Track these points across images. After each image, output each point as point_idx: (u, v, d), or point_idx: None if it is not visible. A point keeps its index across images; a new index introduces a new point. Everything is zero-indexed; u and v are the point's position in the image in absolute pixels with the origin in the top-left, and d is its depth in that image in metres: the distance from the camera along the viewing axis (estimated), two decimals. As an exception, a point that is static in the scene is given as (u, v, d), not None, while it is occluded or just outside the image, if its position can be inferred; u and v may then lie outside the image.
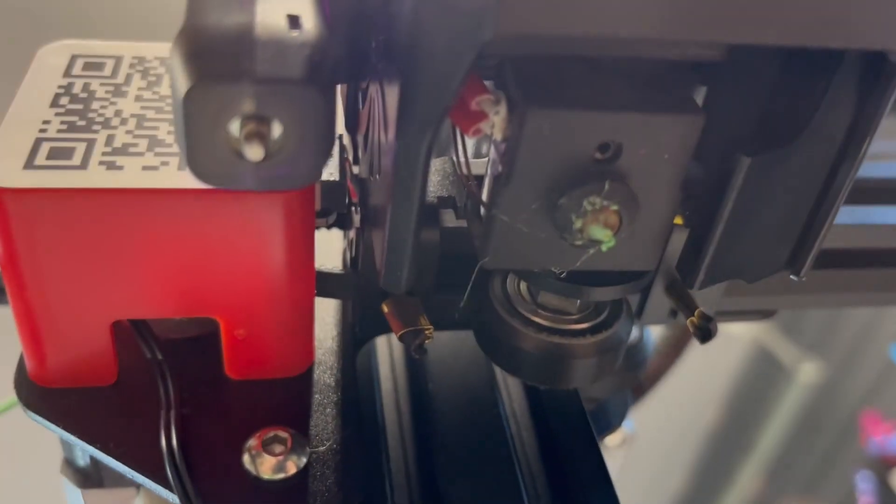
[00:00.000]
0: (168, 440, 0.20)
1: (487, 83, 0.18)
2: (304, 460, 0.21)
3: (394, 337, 0.21)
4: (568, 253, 0.18)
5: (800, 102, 0.17)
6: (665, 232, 0.18)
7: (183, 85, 0.14)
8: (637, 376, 0.29)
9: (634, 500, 1.34)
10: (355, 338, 0.24)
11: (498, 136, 0.17)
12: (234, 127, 0.15)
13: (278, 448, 0.21)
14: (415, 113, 0.15)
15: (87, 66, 0.22)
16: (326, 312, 0.25)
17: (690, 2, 0.14)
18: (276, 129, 0.15)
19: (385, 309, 0.21)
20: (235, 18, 0.15)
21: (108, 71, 0.22)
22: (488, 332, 0.22)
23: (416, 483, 0.23)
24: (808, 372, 1.08)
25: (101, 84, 0.22)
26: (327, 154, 0.16)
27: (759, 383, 1.15)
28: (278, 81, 0.14)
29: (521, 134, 0.16)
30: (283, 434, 0.21)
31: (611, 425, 0.31)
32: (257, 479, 0.20)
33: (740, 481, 1.22)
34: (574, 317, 0.22)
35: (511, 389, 0.25)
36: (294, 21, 0.15)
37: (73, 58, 0.23)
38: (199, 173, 0.15)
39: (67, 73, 0.22)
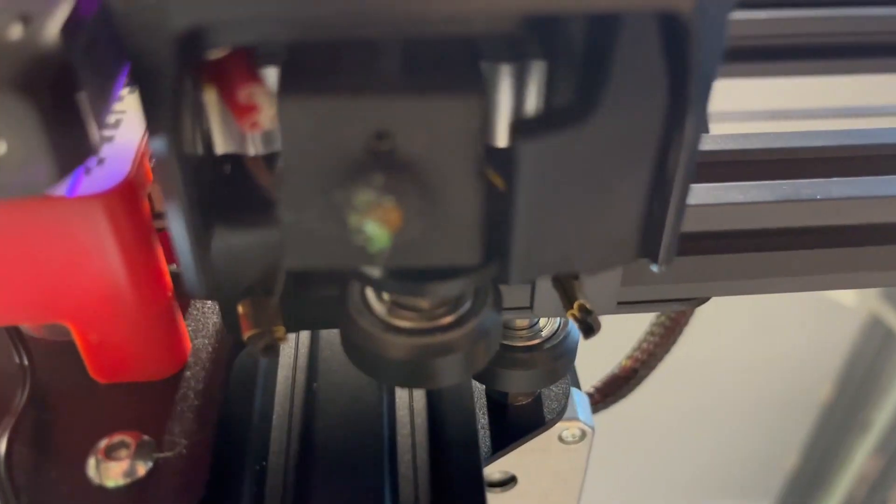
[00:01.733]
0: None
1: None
2: (149, 465, 0.20)
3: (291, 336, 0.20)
4: (362, 251, 0.17)
5: (591, 82, 0.15)
6: (474, 220, 0.17)
7: None
8: (565, 367, 0.27)
9: (749, 478, 1.32)
10: (233, 342, 0.24)
11: (271, 128, 0.16)
12: (-43, 137, 0.14)
13: (123, 453, 0.20)
14: (147, 109, 0.15)
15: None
16: (212, 314, 0.25)
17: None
18: (1, 138, 0.14)
19: (240, 310, 0.20)
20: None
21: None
22: (347, 336, 0.21)
23: (288, 484, 0.22)
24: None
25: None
26: (72, 161, 0.15)
27: (874, 358, 1.11)
28: (-16, 88, 0.14)
29: (281, 125, 0.15)
30: (128, 439, 0.21)
31: (544, 419, 0.29)
32: (98, 486, 0.20)
33: (855, 461, 1.18)
34: (431, 313, 0.21)
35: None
36: (25, 21, 0.15)
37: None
38: (-72, 186, 0.15)
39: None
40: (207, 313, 0.24)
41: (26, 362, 0.22)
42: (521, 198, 0.16)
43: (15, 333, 0.22)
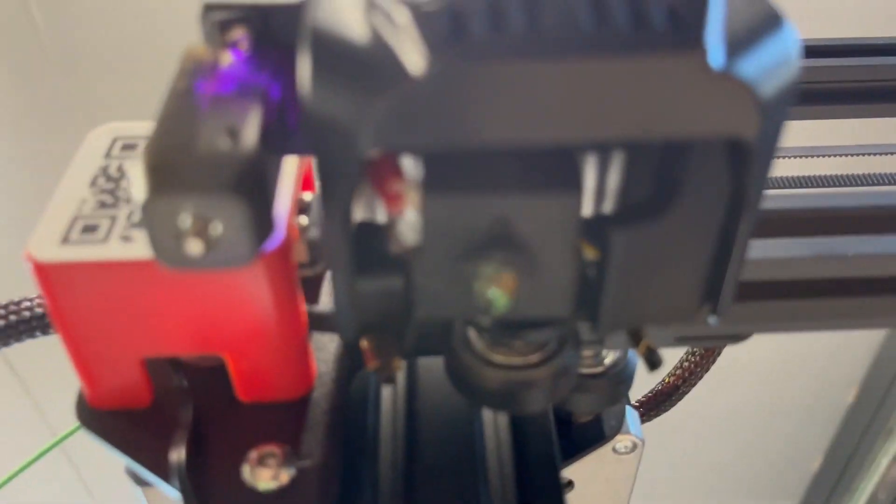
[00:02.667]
0: (178, 454, 0.24)
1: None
2: (292, 472, 0.25)
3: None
4: (483, 307, 0.21)
5: (668, 181, 0.20)
6: (568, 284, 0.21)
7: (141, 196, 0.18)
8: (623, 392, 0.31)
9: (772, 481, 1.33)
10: (352, 366, 0.29)
11: (413, 214, 0.21)
12: (185, 224, 0.19)
13: (271, 461, 0.25)
14: (328, 199, 0.19)
15: (124, 147, 0.27)
16: (332, 344, 0.29)
17: (531, 114, 0.17)
18: (217, 226, 0.19)
19: (363, 345, 0.25)
20: (185, 136, 0.19)
21: (140, 151, 0.27)
22: (453, 367, 0.25)
23: (398, 490, 0.27)
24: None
25: (132, 166, 0.27)
26: (264, 238, 0.20)
27: None
28: (210, 192, 0.18)
29: (424, 213, 0.20)
30: (275, 450, 0.25)
31: (604, 435, 0.33)
32: (251, 489, 0.25)
33: (879, 465, 1.19)
34: (523, 351, 0.25)
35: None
36: (233, 135, 0.19)
37: (115, 139, 0.28)
38: (161, 259, 0.19)
39: (107, 155, 0.27)
40: (328, 343, 0.29)
41: (185, 385, 0.27)
42: (611, 271, 0.20)
43: (174, 361, 0.27)
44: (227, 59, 0.22)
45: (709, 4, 0.17)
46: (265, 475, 0.25)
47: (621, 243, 0.20)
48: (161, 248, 0.19)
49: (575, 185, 0.20)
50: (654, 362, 0.25)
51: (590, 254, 0.22)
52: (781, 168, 0.52)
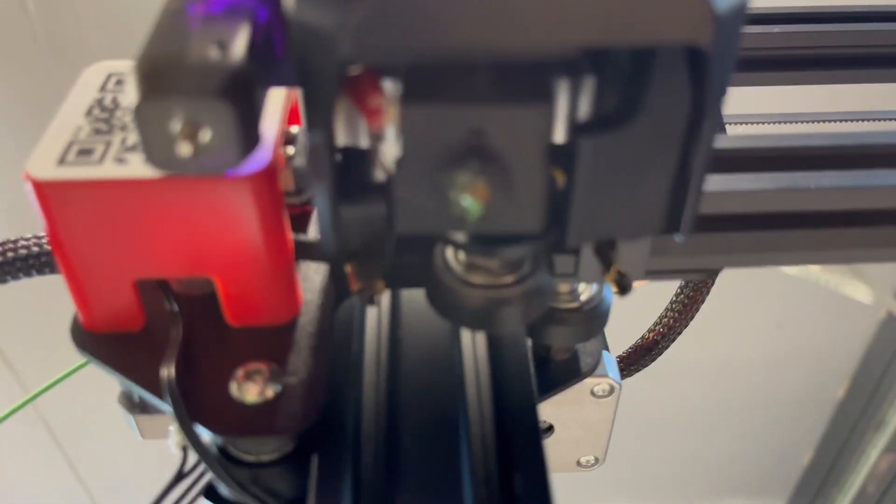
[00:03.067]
0: (168, 370, 0.25)
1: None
2: (278, 388, 0.26)
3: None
4: (457, 218, 0.22)
5: (633, 93, 0.21)
6: (539, 198, 0.22)
7: (133, 100, 0.19)
8: (598, 327, 0.33)
9: (763, 475, 1.34)
10: (338, 293, 0.30)
11: (393, 127, 0.22)
12: (175, 128, 0.20)
13: (258, 378, 0.26)
14: (310, 113, 0.20)
15: (118, 83, 0.28)
16: (318, 273, 0.30)
17: (505, 17, 0.18)
18: (206, 132, 0.20)
19: (347, 269, 0.26)
20: (175, 47, 0.20)
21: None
22: (432, 289, 0.27)
23: (380, 408, 0.28)
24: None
25: (126, 96, 0.28)
26: (250, 148, 0.21)
27: (891, 357, 1.13)
28: (200, 96, 0.19)
29: (403, 123, 0.21)
30: (262, 367, 0.26)
31: (580, 371, 0.34)
32: (240, 402, 0.26)
33: (869, 458, 1.21)
34: (498, 273, 0.26)
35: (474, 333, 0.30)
36: (221, 47, 0.21)
37: (109, 76, 0.29)
38: (151, 163, 0.20)
39: (102, 89, 0.28)
40: (313, 274, 0.30)
41: (176, 308, 0.28)
42: (579, 181, 0.21)
43: (166, 287, 0.28)
44: (217, -15, 0.23)
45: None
46: (252, 390, 0.26)
47: (589, 151, 0.21)
48: (152, 152, 0.20)
49: (546, 98, 0.21)
50: (623, 286, 0.26)
51: (560, 178, 0.23)
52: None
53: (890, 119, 0.46)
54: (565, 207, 0.22)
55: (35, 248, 0.33)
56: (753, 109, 0.47)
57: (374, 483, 0.26)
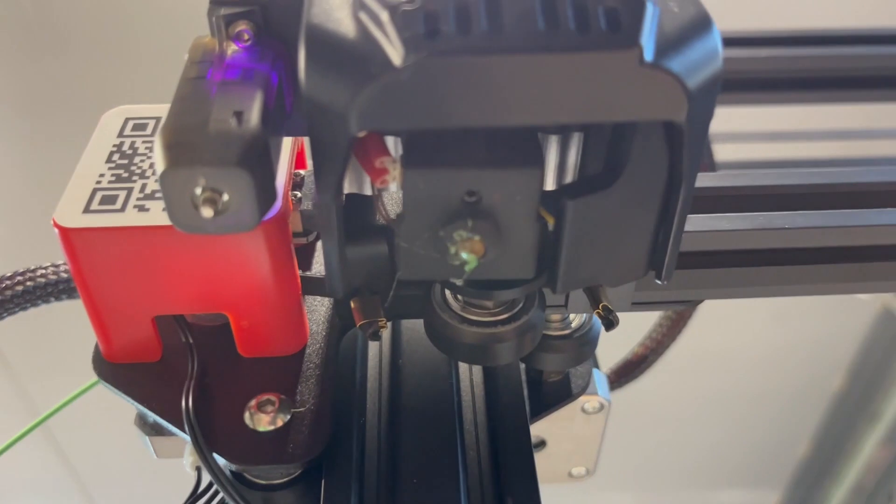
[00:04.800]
0: (186, 401, 0.27)
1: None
2: (288, 417, 0.28)
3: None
4: (455, 268, 0.24)
5: (615, 159, 0.23)
6: (532, 248, 0.24)
7: (158, 169, 0.21)
8: (588, 352, 0.34)
9: (759, 467, 1.35)
10: (342, 325, 0.32)
11: (395, 186, 0.24)
12: (197, 193, 0.22)
13: (269, 408, 0.28)
14: (320, 175, 0.22)
15: (135, 127, 0.30)
16: (322, 306, 0.32)
17: (488, 101, 0.20)
18: (225, 195, 0.22)
19: (352, 305, 0.28)
20: (197, 117, 0.22)
21: (149, 130, 0.30)
22: (430, 324, 0.29)
23: (382, 434, 0.30)
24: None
25: (143, 142, 0.30)
26: (266, 207, 0.23)
27: (887, 350, 1.14)
28: (219, 166, 0.21)
29: (405, 185, 0.23)
30: (273, 398, 0.28)
31: (572, 392, 0.36)
32: (253, 431, 0.28)
33: (865, 451, 1.21)
34: (493, 310, 0.28)
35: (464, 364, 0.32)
36: (238, 117, 0.22)
37: (126, 120, 0.31)
38: (176, 224, 0.22)
39: (121, 134, 0.30)
40: (318, 306, 0.32)
41: (191, 341, 0.30)
42: (566, 237, 0.23)
43: (182, 320, 0.30)
44: (232, 49, 0.25)
45: (645, 10, 0.20)
46: (264, 420, 0.28)
47: (573, 212, 0.23)
48: (176, 214, 0.22)
49: (537, 162, 0.23)
50: (610, 321, 0.28)
51: (550, 221, 0.25)
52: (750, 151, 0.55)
53: (873, 138, 0.48)
54: (554, 260, 0.24)
55: (52, 277, 0.35)
56: (741, 129, 0.49)
57: (378, 502, 0.28)
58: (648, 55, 0.19)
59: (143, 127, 0.30)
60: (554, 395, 0.36)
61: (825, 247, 0.31)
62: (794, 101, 0.51)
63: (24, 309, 0.36)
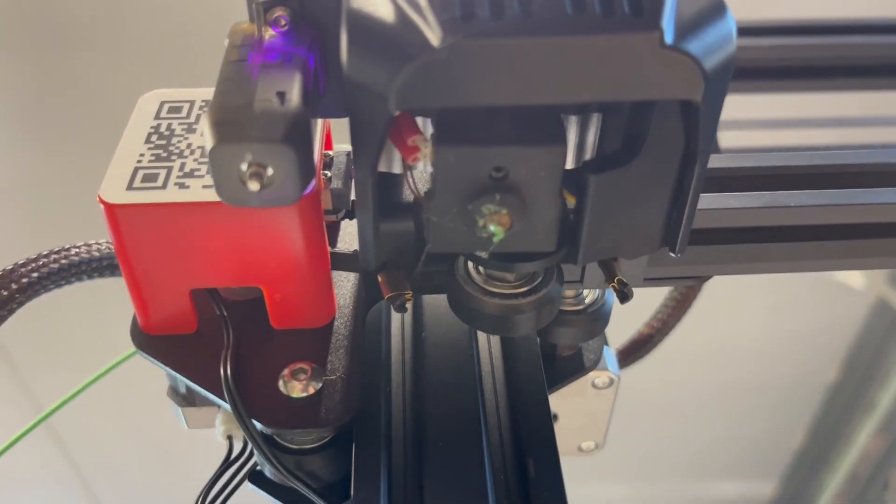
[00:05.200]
0: (224, 369, 0.29)
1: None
2: (320, 384, 0.30)
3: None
4: (482, 241, 0.26)
5: (634, 136, 0.24)
6: (554, 222, 0.26)
7: (208, 145, 0.23)
8: (600, 327, 0.36)
9: (755, 457, 1.36)
10: (368, 299, 0.33)
11: (428, 163, 0.25)
12: (243, 168, 0.23)
13: (302, 376, 0.30)
14: (359, 150, 0.24)
15: (170, 110, 0.32)
16: (349, 281, 0.34)
17: (519, 80, 0.21)
18: (270, 170, 0.23)
19: (379, 279, 0.29)
20: (243, 98, 0.24)
21: (184, 113, 0.31)
22: (454, 296, 0.30)
23: (407, 402, 0.31)
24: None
25: (179, 123, 0.31)
26: (307, 182, 0.24)
27: (881, 341, 1.15)
28: (265, 142, 0.23)
29: (436, 162, 0.24)
30: (305, 366, 0.30)
31: (584, 367, 0.38)
32: (287, 397, 0.29)
33: (860, 440, 1.23)
34: (514, 283, 0.30)
35: (489, 335, 0.34)
36: (281, 97, 0.24)
37: (162, 103, 0.32)
38: (223, 198, 0.24)
39: (157, 116, 0.31)
40: (345, 282, 0.34)
41: (225, 313, 0.31)
42: (588, 209, 0.25)
43: (216, 294, 0.32)
44: (269, 34, 0.27)
45: (665, -6, 0.21)
46: (297, 387, 0.30)
47: (595, 186, 0.24)
48: (223, 188, 0.23)
49: (561, 140, 0.24)
50: (625, 294, 0.30)
51: (570, 201, 0.26)
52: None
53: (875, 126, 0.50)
54: (576, 233, 0.26)
55: (86, 255, 0.37)
56: (748, 116, 0.50)
57: (406, 466, 0.30)
58: (669, 38, 0.21)
59: (178, 110, 0.32)
60: (567, 368, 0.38)
61: (829, 224, 0.32)
62: (791, 89, 0.53)
63: (59, 286, 0.37)
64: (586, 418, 0.44)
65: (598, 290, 0.36)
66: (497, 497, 0.29)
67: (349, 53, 0.22)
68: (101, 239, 0.37)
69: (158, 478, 1.20)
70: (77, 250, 0.37)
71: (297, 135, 0.23)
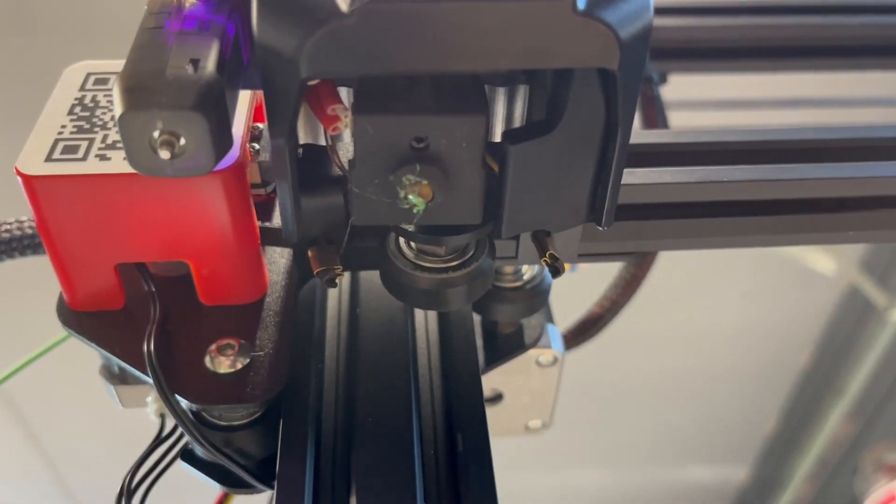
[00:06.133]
0: (148, 345, 0.28)
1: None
2: (247, 360, 0.29)
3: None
4: (405, 213, 0.25)
5: (555, 106, 0.24)
6: (478, 194, 0.25)
7: (117, 112, 0.22)
8: (539, 303, 0.36)
9: (727, 443, 1.37)
10: (301, 275, 0.33)
11: (348, 134, 0.25)
12: (155, 136, 0.23)
13: (229, 351, 0.29)
14: (273, 121, 0.23)
15: (96, 82, 0.31)
16: (282, 256, 0.33)
17: (430, 46, 0.21)
18: (182, 140, 0.23)
19: (309, 253, 0.29)
20: (155, 65, 0.23)
21: (111, 84, 0.31)
22: (386, 272, 0.30)
23: (340, 378, 0.31)
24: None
25: (105, 95, 0.30)
26: (222, 152, 0.24)
27: (852, 327, 1.17)
28: (176, 108, 0.22)
29: (355, 131, 0.24)
30: (233, 342, 0.30)
31: (525, 343, 0.38)
32: (213, 373, 0.29)
33: (830, 425, 1.26)
34: (445, 257, 0.29)
35: (426, 312, 0.33)
36: (195, 64, 0.23)
37: (88, 75, 0.31)
38: (134, 167, 0.23)
39: (82, 88, 0.31)
40: (278, 258, 0.33)
41: (153, 289, 0.31)
42: (509, 181, 0.25)
43: (144, 269, 0.31)
44: (190, 1, 0.26)
45: (579, -40, 0.21)
46: (224, 363, 0.29)
47: (515, 157, 0.24)
48: (134, 157, 0.23)
49: (482, 110, 0.24)
50: (556, 269, 0.30)
51: (494, 167, 0.26)
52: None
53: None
54: (498, 205, 0.26)
55: (17, 232, 0.36)
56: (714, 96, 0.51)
57: (335, 443, 0.29)
58: (581, 4, 0.21)
59: (104, 81, 0.31)
60: (508, 345, 0.38)
61: (762, 200, 0.33)
62: (746, 69, 0.53)
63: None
64: (532, 397, 0.44)
65: (536, 267, 0.36)
66: (425, 472, 0.28)
67: (259, 17, 0.21)
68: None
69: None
70: (8, 227, 0.36)
71: (209, 102, 0.23)
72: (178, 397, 0.28)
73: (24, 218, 0.36)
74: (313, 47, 0.21)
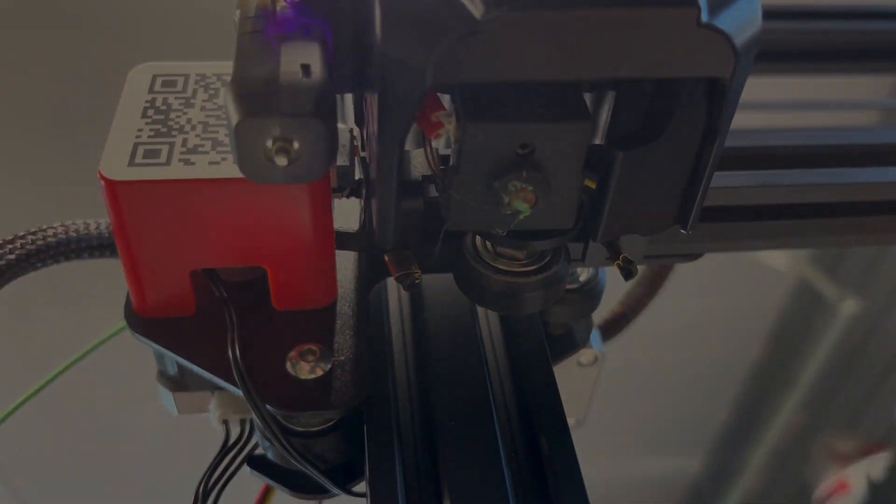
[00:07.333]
0: (233, 351, 0.28)
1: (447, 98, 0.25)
2: (329, 366, 0.29)
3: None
4: (505, 218, 0.26)
5: (660, 112, 0.24)
6: (575, 200, 0.26)
7: (233, 119, 0.22)
8: (593, 306, 0.36)
9: (681, 435, 1.39)
10: (368, 279, 0.33)
11: (452, 139, 0.25)
12: (269, 143, 0.22)
13: (310, 357, 0.29)
14: (388, 126, 0.23)
15: (164, 84, 0.30)
16: (348, 261, 0.33)
17: (559, 54, 0.21)
18: (296, 144, 0.23)
19: (386, 258, 0.29)
20: (266, 70, 0.23)
21: (179, 87, 0.30)
22: (462, 275, 0.30)
23: (413, 383, 0.31)
24: (849, 307, 1.11)
25: (176, 98, 0.30)
26: (332, 157, 0.24)
27: (802, 320, 1.20)
28: (294, 115, 0.22)
29: (463, 139, 0.24)
30: (314, 347, 0.29)
31: (577, 345, 0.38)
32: (296, 379, 0.29)
33: (782, 415, 1.29)
34: (523, 261, 0.29)
35: (488, 316, 0.34)
36: (306, 70, 0.23)
37: (154, 77, 0.31)
38: (246, 174, 0.23)
39: (151, 90, 0.30)
40: (346, 262, 0.33)
41: (226, 294, 0.30)
42: (613, 186, 0.25)
43: (214, 275, 0.31)
44: (280, 5, 0.26)
45: (701, -29, 0.21)
46: (305, 368, 0.29)
47: (622, 163, 0.24)
48: (248, 164, 0.23)
49: (586, 117, 0.24)
50: (629, 271, 0.30)
51: (589, 184, 0.26)
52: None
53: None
54: (598, 209, 0.26)
55: (62, 236, 0.35)
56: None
57: (416, 448, 0.29)
58: (705, 15, 0.21)
59: (172, 84, 0.30)
60: (560, 346, 0.38)
61: (822, 202, 0.33)
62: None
63: (35, 269, 0.35)
64: (569, 395, 0.44)
65: (591, 269, 0.37)
66: (512, 474, 0.29)
67: (385, 26, 0.21)
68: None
69: (82, 474, 1.16)
70: (53, 230, 0.35)
71: (324, 108, 0.23)
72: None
73: (69, 222, 0.36)
74: (443, 56, 0.21)
